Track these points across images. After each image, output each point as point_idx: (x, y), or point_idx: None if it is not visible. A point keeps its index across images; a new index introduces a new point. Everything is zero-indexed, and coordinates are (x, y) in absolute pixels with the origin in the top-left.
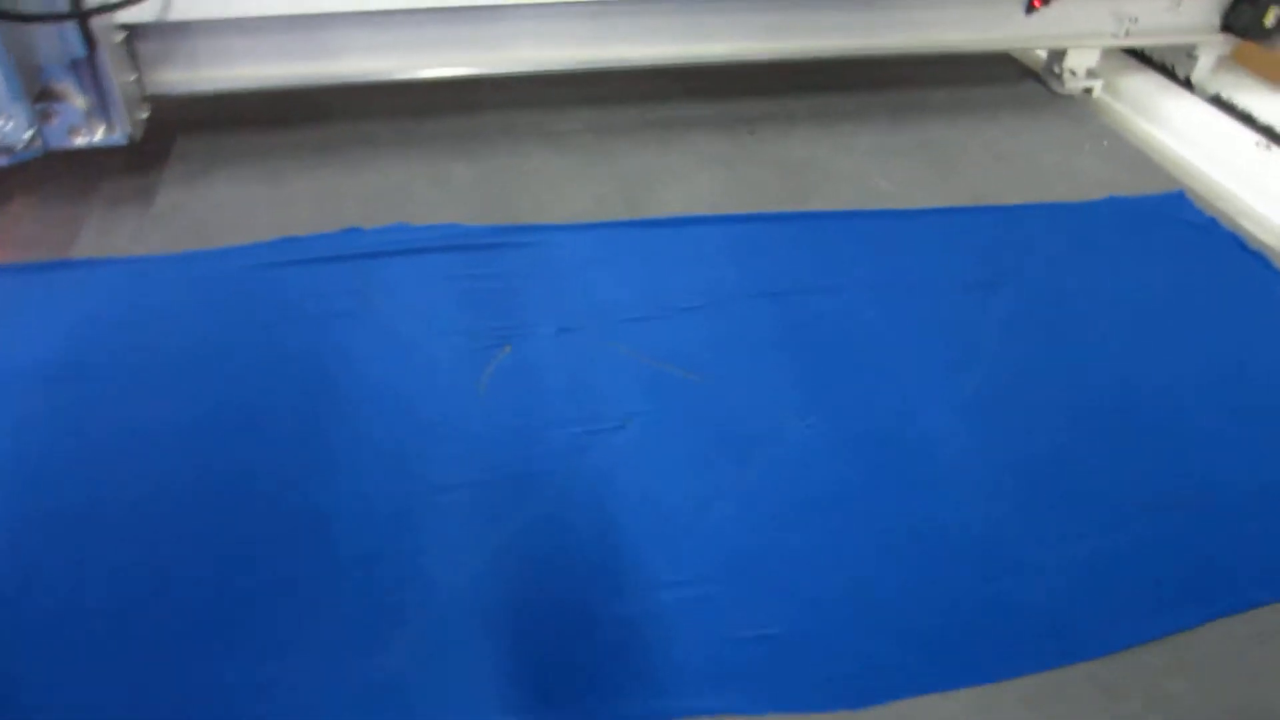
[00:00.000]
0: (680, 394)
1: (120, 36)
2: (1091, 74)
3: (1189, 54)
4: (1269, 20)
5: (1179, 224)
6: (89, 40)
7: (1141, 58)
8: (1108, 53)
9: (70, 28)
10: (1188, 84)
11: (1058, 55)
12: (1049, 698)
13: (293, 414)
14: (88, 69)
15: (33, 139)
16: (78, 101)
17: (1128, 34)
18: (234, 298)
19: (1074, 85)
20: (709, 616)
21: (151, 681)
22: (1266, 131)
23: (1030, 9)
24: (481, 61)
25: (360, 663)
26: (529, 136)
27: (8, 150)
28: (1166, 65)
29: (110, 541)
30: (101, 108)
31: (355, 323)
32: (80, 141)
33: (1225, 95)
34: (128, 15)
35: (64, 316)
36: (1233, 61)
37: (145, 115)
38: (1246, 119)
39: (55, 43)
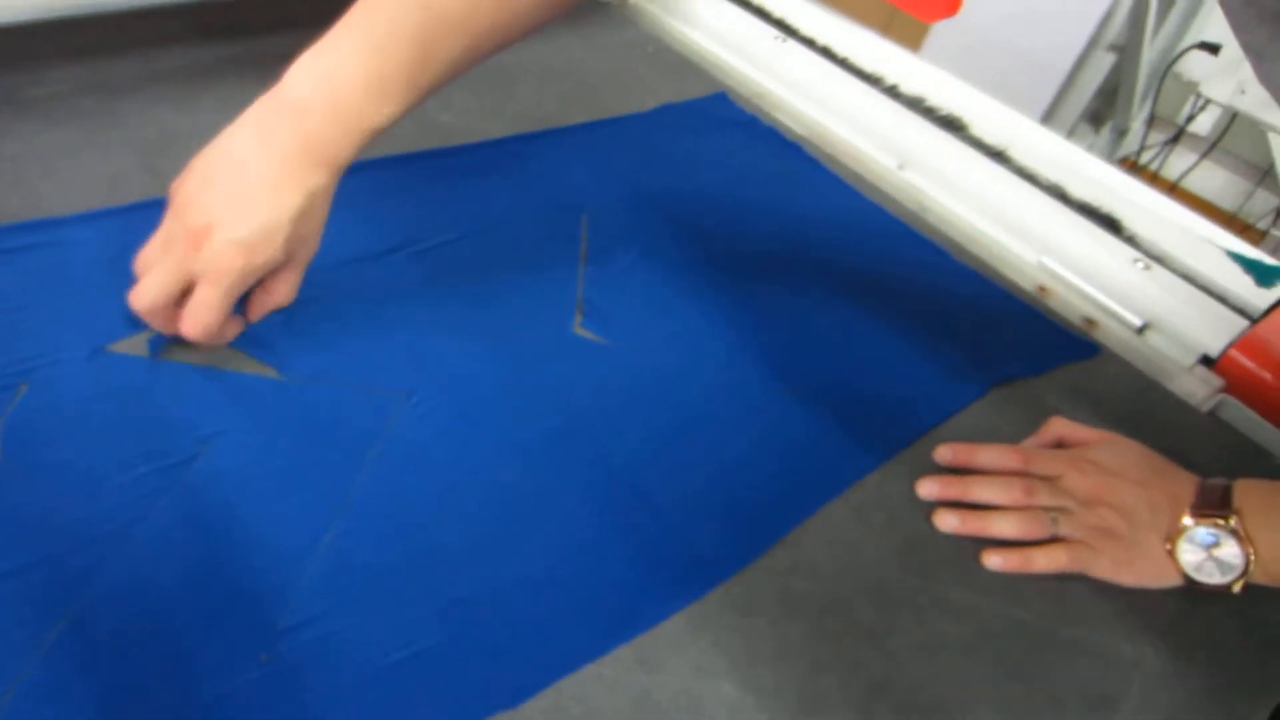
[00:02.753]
0: (268, 399)
1: None
2: None
3: None
4: None
5: (726, 124)
6: None
7: None
8: None
9: None
10: None
11: None
12: (697, 628)
13: None
14: None
15: None
16: None
17: None
18: None
19: None
20: (348, 649)
21: None
22: (780, 25)
23: None
24: None
25: None
26: None
27: None
28: None
29: None
30: None
31: None
32: None
33: None
34: None
35: None
36: None
37: None
38: (762, 13)
39: None
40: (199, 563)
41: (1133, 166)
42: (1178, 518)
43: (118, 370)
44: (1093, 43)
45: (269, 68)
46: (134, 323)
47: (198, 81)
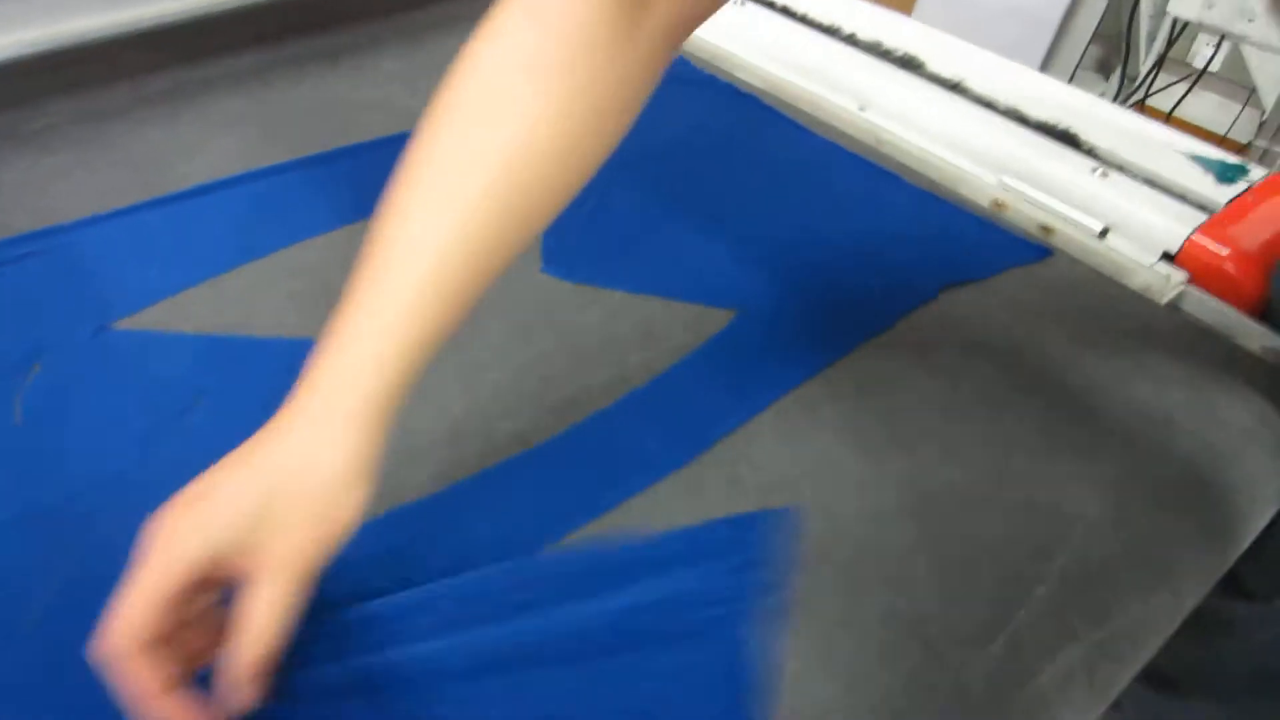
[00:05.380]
0: (252, 361)
1: None
2: None
3: None
4: None
5: (684, 82)
6: None
7: None
8: None
9: None
10: None
11: None
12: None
13: None
14: None
15: None
16: None
17: None
18: None
19: None
20: None
21: None
22: None
23: None
24: None
25: None
26: None
27: None
28: None
29: None
30: None
31: None
32: None
33: None
34: None
35: None
36: None
37: None
38: None
39: None
40: None
41: (1143, 108)
42: None
43: (120, 343)
44: None
45: (241, 81)
46: (130, 299)
47: (180, 101)
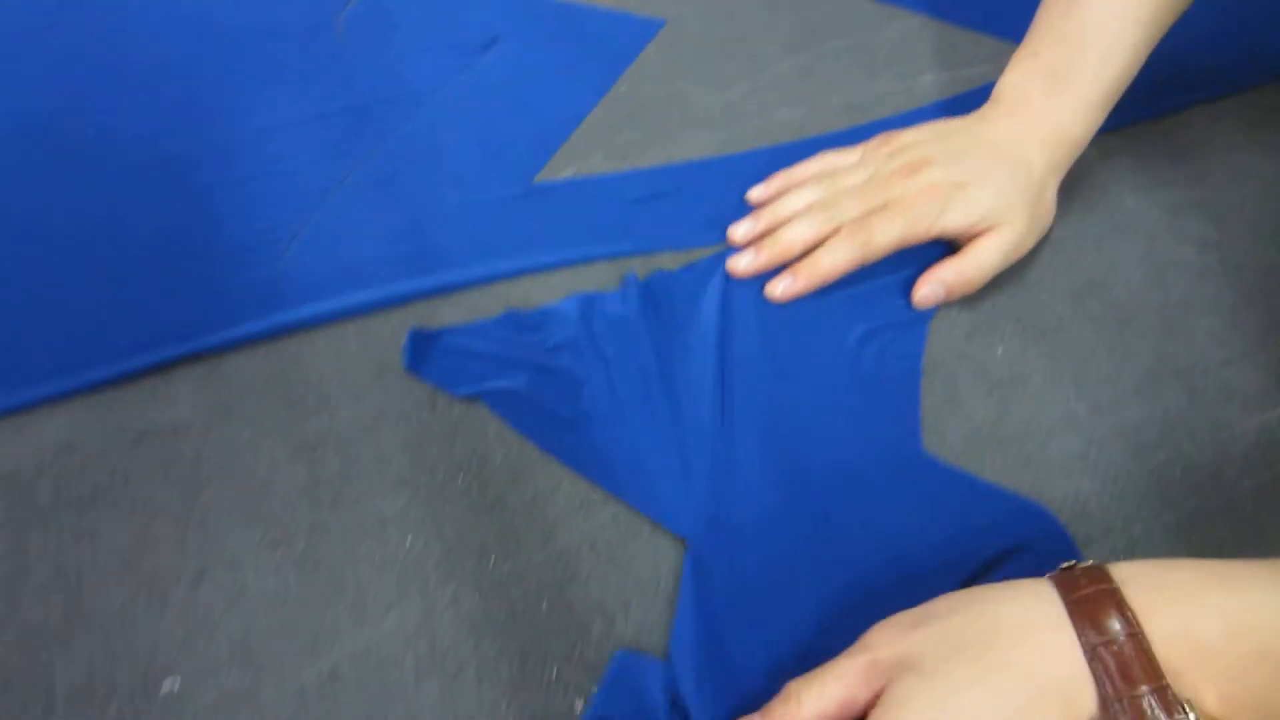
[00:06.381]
0: (545, 11)
1: None
2: None
3: None
4: None
5: None
6: None
7: None
8: None
9: None
10: None
11: None
12: None
13: (144, 65)
14: None
15: None
16: None
17: None
18: None
19: None
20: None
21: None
22: None
23: None
24: None
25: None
26: None
27: None
28: None
29: None
30: None
31: None
32: None
33: None
34: None
35: None
36: None
37: None
38: None
39: None
40: (481, 123)
41: None
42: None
43: None
44: None
45: None
46: None
47: None
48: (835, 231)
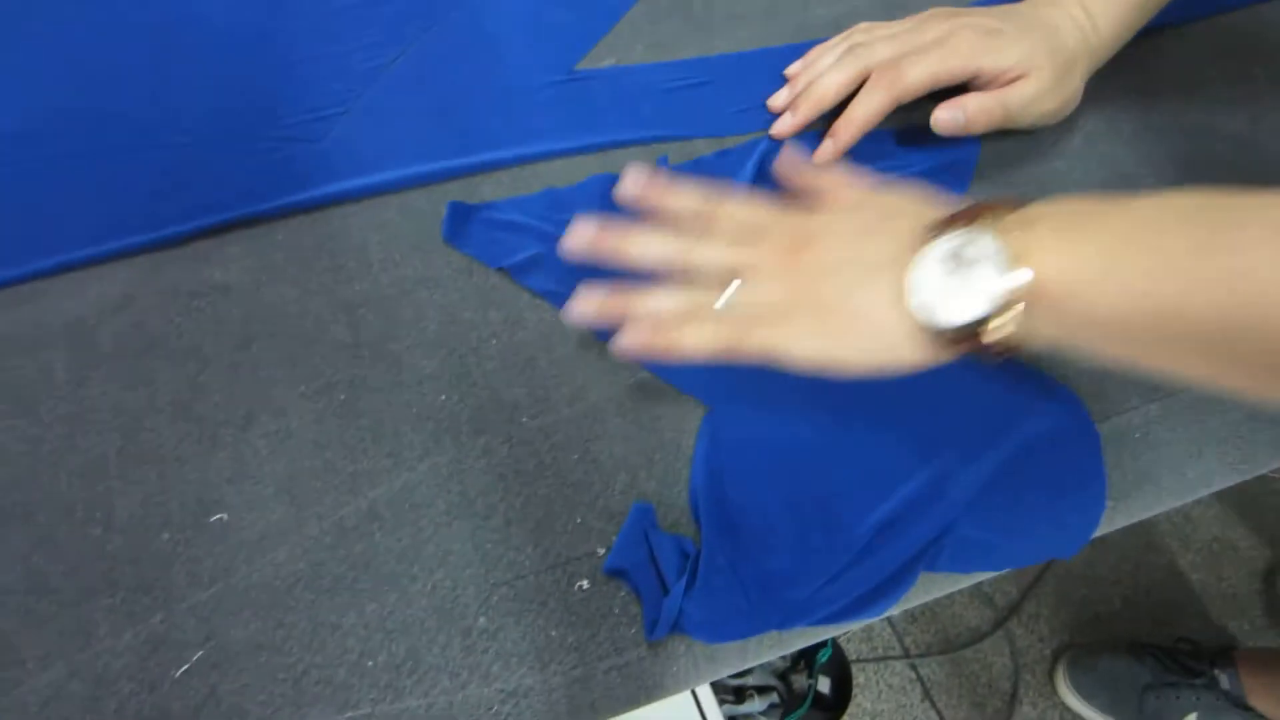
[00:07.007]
0: None
1: None
2: None
3: None
4: None
5: None
6: None
7: None
8: None
9: None
10: None
11: None
12: None
13: None
14: None
15: None
16: None
17: None
18: None
19: None
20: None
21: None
22: None
23: None
24: None
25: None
26: None
27: None
28: None
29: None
30: None
31: None
32: None
33: None
34: None
35: None
36: None
37: None
38: None
39: None
40: (527, 13)
41: None
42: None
43: None
44: None
45: None
46: None
47: None
48: (867, 75)
